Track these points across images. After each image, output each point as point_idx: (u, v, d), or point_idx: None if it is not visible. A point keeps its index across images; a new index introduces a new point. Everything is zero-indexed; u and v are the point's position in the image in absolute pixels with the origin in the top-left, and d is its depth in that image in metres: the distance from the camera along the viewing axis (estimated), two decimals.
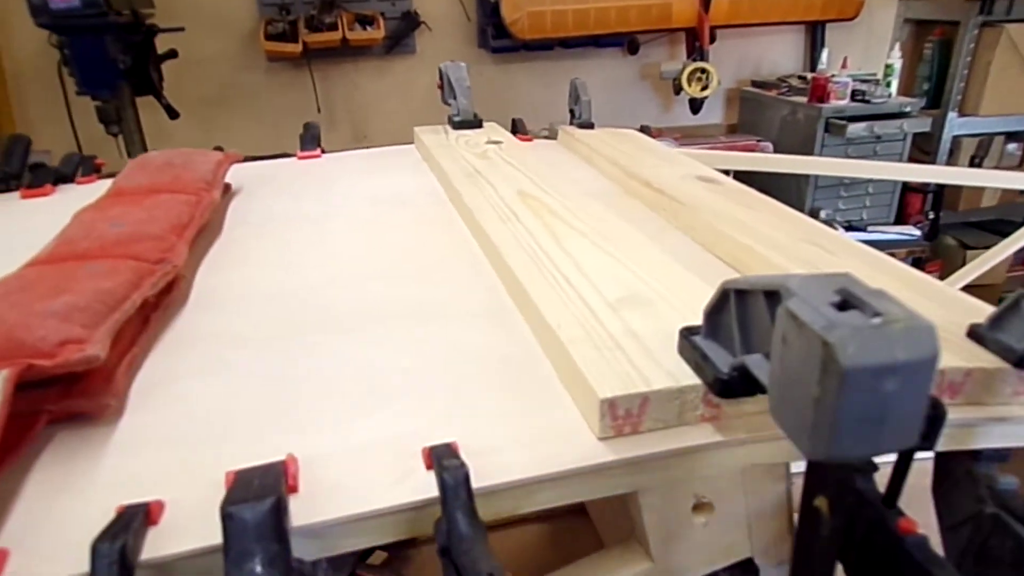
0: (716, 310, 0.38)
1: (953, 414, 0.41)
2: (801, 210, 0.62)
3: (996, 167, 3.06)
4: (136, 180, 0.73)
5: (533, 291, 0.50)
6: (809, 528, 0.32)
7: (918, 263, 2.79)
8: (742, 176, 0.94)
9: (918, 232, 2.90)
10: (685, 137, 2.89)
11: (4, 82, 2.43)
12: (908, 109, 2.79)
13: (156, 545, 0.33)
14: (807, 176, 2.75)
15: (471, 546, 0.32)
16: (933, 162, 2.96)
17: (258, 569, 0.30)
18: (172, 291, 0.57)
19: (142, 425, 0.42)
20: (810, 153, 2.79)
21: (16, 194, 0.91)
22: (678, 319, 0.43)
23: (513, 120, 1.16)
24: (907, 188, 3.03)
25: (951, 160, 3.09)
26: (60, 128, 2.18)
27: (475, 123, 1.05)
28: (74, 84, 1.94)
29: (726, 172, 0.88)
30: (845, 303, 0.28)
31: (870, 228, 2.86)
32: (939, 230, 3.10)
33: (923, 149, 3.08)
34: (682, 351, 0.40)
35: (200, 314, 0.56)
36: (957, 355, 0.41)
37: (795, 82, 3.02)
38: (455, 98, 1.06)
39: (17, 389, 0.39)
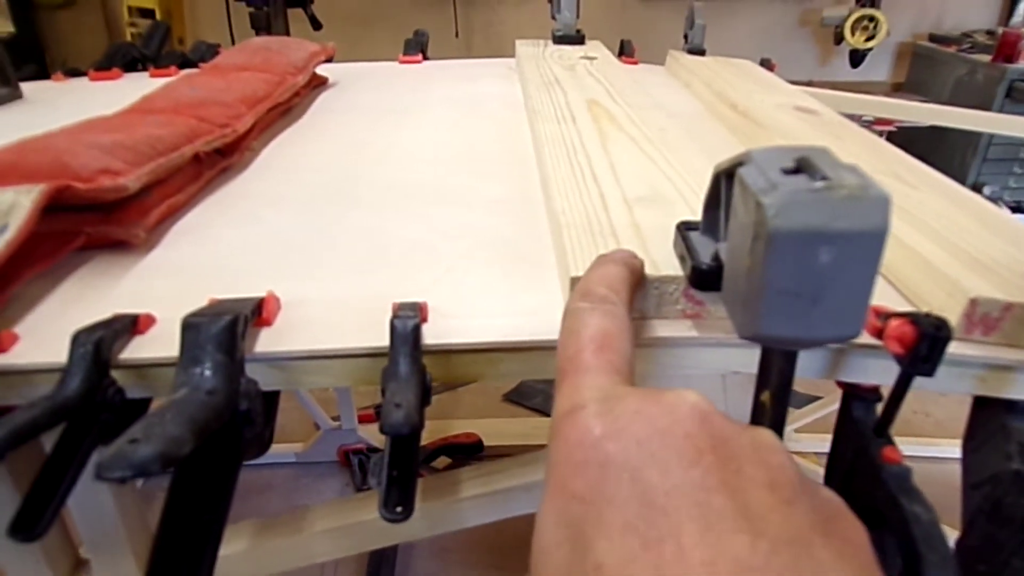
0: (711, 201, 0.36)
1: (985, 352, 0.37)
2: (962, 184, 0.53)
3: None
4: (231, 59, 0.77)
5: (555, 182, 0.48)
6: (755, 423, 0.29)
7: None
8: (901, 140, 0.74)
9: None
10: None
11: None
12: None
13: (135, 350, 0.36)
14: (973, 146, 2.45)
15: (404, 387, 0.33)
16: None
17: (206, 373, 0.32)
18: (233, 156, 0.60)
19: (166, 259, 0.46)
20: None
21: (147, 73, 0.99)
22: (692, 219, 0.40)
23: (622, 41, 1.12)
24: None
25: None
26: (222, 33, 2.34)
27: (576, 39, 1.02)
28: None
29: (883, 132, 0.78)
30: (797, 170, 0.25)
31: None
32: None
33: None
34: (675, 245, 0.38)
35: (254, 180, 0.59)
36: (999, 288, 0.36)
37: (981, 38, 2.67)
38: (559, 12, 1.03)
39: (60, 210, 0.43)
